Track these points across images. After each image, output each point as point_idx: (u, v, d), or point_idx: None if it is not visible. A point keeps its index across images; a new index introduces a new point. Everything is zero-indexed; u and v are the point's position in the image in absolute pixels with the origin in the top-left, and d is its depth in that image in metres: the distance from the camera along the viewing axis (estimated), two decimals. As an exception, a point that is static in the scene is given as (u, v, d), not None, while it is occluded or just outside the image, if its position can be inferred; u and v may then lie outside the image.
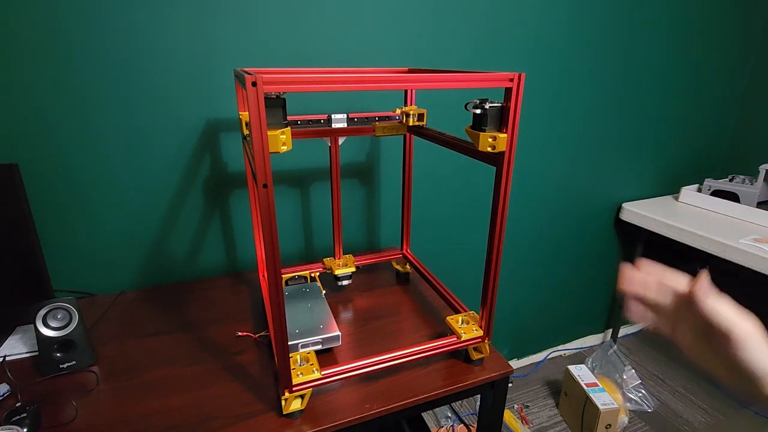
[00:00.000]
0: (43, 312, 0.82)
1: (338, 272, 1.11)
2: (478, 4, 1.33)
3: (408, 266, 1.21)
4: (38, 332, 0.81)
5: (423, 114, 1.03)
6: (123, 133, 1.08)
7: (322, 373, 0.74)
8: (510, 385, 1.90)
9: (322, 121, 0.99)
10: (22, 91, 0.98)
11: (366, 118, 1.02)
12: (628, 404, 1.75)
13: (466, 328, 0.86)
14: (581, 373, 1.70)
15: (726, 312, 0.45)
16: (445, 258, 1.62)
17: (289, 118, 0.83)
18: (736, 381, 0.45)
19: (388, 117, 1.06)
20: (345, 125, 0.99)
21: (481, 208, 1.59)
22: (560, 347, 2.13)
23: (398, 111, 1.04)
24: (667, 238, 1.71)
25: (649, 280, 0.50)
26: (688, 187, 1.92)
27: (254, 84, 0.54)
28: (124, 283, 1.19)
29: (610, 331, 2.20)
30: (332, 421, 0.73)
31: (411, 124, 1.03)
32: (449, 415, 1.71)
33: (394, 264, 1.25)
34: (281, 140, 0.61)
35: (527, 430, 1.70)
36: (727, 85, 2.01)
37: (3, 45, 0.94)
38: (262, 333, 0.97)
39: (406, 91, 1.08)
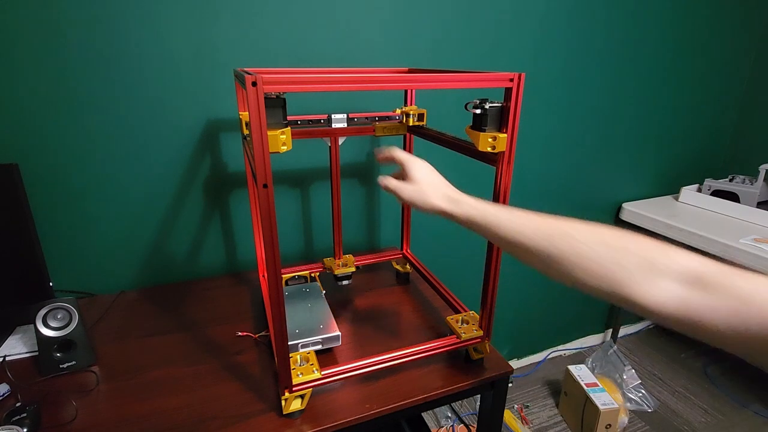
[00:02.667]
0: (43, 312, 0.82)
1: (338, 272, 1.11)
2: (479, 4, 1.33)
3: (408, 266, 1.21)
4: (38, 332, 0.81)
5: (423, 114, 1.03)
6: (123, 133, 1.08)
7: (322, 373, 0.74)
8: (510, 385, 1.90)
9: (322, 121, 0.99)
10: (22, 92, 0.98)
11: (366, 118, 1.02)
12: (628, 404, 1.75)
13: (466, 328, 0.86)
14: (581, 373, 1.70)
15: (400, 154, 0.69)
16: (445, 258, 1.62)
17: (289, 118, 0.83)
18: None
19: (388, 117, 1.06)
20: (345, 125, 0.99)
21: (481, 208, 1.58)
22: (560, 347, 2.13)
23: (398, 111, 1.04)
24: (667, 238, 1.71)
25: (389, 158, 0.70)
26: (688, 187, 1.92)
27: (254, 84, 0.54)
28: (124, 283, 1.19)
29: (610, 331, 2.20)
30: (332, 421, 0.73)
31: (411, 124, 1.03)
32: (449, 415, 1.71)
33: (394, 264, 1.24)
34: (281, 140, 0.61)
35: (527, 430, 1.70)
36: (727, 85, 2.00)
37: (2, 45, 0.94)
38: (262, 333, 0.97)
39: (406, 91, 1.08)
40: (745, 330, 0.37)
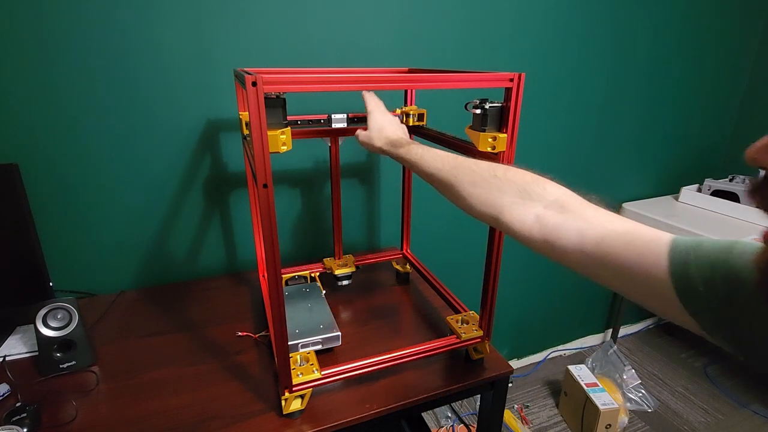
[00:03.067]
0: (43, 312, 0.82)
1: (338, 272, 1.11)
2: (479, 4, 1.33)
3: (408, 266, 1.21)
4: (38, 332, 0.81)
5: (423, 114, 1.03)
6: (123, 133, 1.08)
7: (322, 373, 0.74)
8: (510, 385, 1.90)
9: (322, 121, 0.98)
10: (22, 92, 0.98)
11: (366, 117, 1.02)
12: (628, 404, 1.75)
13: (466, 328, 0.86)
14: (581, 373, 1.70)
15: (368, 103, 0.81)
16: (445, 258, 1.62)
17: (288, 118, 0.83)
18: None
19: None
20: (345, 125, 0.99)
21: (481, 208, 1.58)
22: (560, 347, 2.13)
23: (398, 111, 1.04)
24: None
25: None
26: (688, 187, 1.92)
27: (254, 84, 0.54)
28: (124, 283, 1.19)
29: (610, 331, 2.20)
30: (332, 421, 0.73)
31: (411, 124, 1.03)
32: (449, 415, 1.71)
33: (394, 264, 1.24)
34: (281, 140, 0.61)
35: (527, 430, 1.70)
36: (727, 85, 2.00)
37: (2, 46, 0.94)
38: (262, 333, 0.97)
39: (406, 91, 1.08)
40: (586, 249, 0.43)
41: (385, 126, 0.77)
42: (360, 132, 0.80)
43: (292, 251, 1.36)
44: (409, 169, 1.15)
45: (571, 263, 0.45)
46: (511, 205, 0.51)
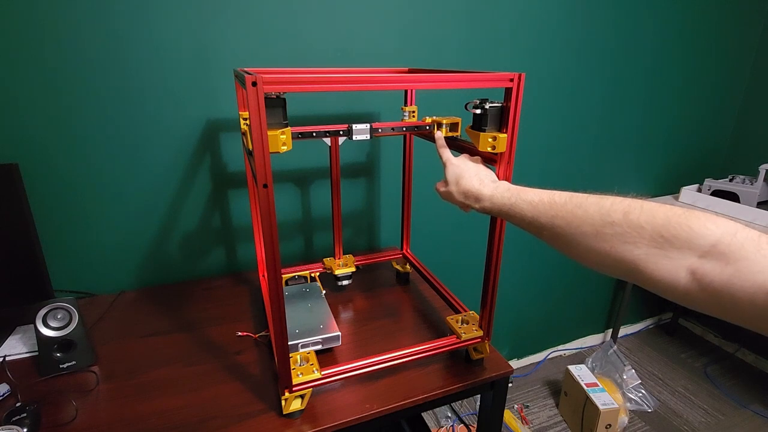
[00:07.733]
0: (43, 312, 0.82)
1: (338, 272, 1.11)
2: (479, 4, 1.33)
3: (408, 266, 1.21)
4: (38, 332, 0.81)
5: (457, 124, 1.00)
6: (123, 133, 1.08)
7: (322, 373, 0.74)
8: (510, 385, 1.90)
9: (341, 132, 0.86)
10: (22, 92, 0.98)
11: (392, 128, 0.88)
12: (628, 404, 1.75)
13: (466, 328, 0.86)
14: (581, 373, 1.70)
15: (443, 155, 0.75)
16: (445, 258, 1.62)
17: (302, 129, 0.81)
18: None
19: (416, 126, 0.92)
20: (368, 137, 0.87)
21: (481, 208, 1.59)
22: (560, 347, 2.13)
23: (428, 120, 0.91)
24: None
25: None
26: (688, 187, 1.92)
27: (254, 84, 0.54)
28: (124, 283, 1.19)
29: (610, 331, 2.20)
30: (332, 421, 0.73)
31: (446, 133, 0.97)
32: (449, 415, 1.71)
33: (394, 264, 1.24)
34: (281, 140, 0.61)
35: (527, 430, 1.70)
36: (727, 85, 2.00)
37: (2, 45, 0.94)
38: (262, 333, 0.97)
39: (406, 91, 1.08)
40: None
41: (461, 176, 0.69)
42: (440, 188, 0.73)
43: (292, 251, 1.36)
44: (409, 167, 1.15)
45: (748, 322, 0.35)
46: (648, 258, 0.41)
